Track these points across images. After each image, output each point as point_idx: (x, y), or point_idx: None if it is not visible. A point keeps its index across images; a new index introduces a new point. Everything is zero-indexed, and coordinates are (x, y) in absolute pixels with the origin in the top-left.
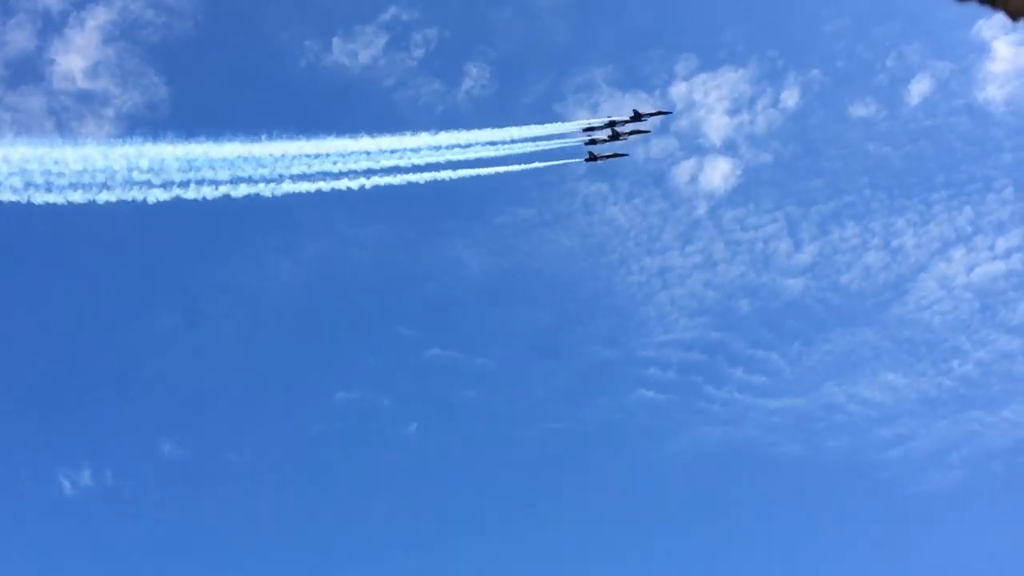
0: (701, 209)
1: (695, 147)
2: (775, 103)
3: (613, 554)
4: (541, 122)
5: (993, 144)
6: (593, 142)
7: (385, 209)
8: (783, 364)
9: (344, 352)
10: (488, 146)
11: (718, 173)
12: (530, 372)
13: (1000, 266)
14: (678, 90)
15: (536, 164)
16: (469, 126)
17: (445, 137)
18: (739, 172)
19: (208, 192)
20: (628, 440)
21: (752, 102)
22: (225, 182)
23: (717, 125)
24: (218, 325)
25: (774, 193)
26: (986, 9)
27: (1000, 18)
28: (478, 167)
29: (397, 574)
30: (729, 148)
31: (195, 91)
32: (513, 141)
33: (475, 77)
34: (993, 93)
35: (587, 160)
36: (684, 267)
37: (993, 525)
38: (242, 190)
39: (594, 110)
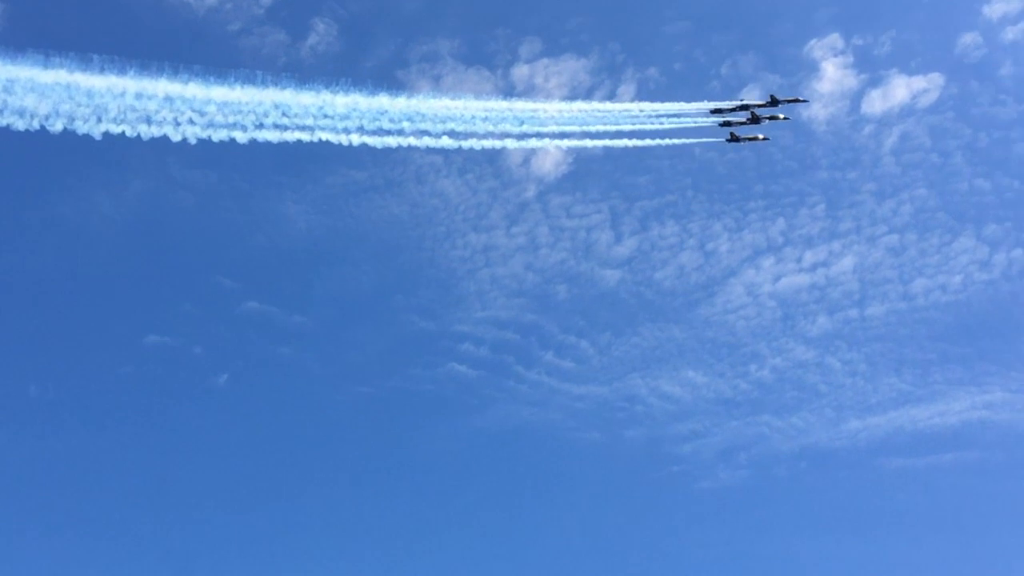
0: (530, 192)
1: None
2: (611, 96)
3: (409, 521)
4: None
5: (811, 161)
6: (728, 124)
7: (219, 156)
8: (592, 352)
9: (159, 295)
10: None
11: (550, 159)
12: (346, 335)
13: (805, 279)
14: (520, 72)
15: (676, 140)
16: (310, 82)
17: (344, 100)
18: (570, 160)
19: (24, 123)
20: (436, 412)
21: (590, 92)
22: (46, 115)
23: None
24: (29, 255)
25: (601, 184)
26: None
27: (832, 39)
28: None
29: (186, 523)
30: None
31: (28, 8)
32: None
33: (321, 33)
34: (817, 112)
35: (728, 140)
36: (508, 247)
37: (772, 525)
38: (59, 126)
39: (436, 81)
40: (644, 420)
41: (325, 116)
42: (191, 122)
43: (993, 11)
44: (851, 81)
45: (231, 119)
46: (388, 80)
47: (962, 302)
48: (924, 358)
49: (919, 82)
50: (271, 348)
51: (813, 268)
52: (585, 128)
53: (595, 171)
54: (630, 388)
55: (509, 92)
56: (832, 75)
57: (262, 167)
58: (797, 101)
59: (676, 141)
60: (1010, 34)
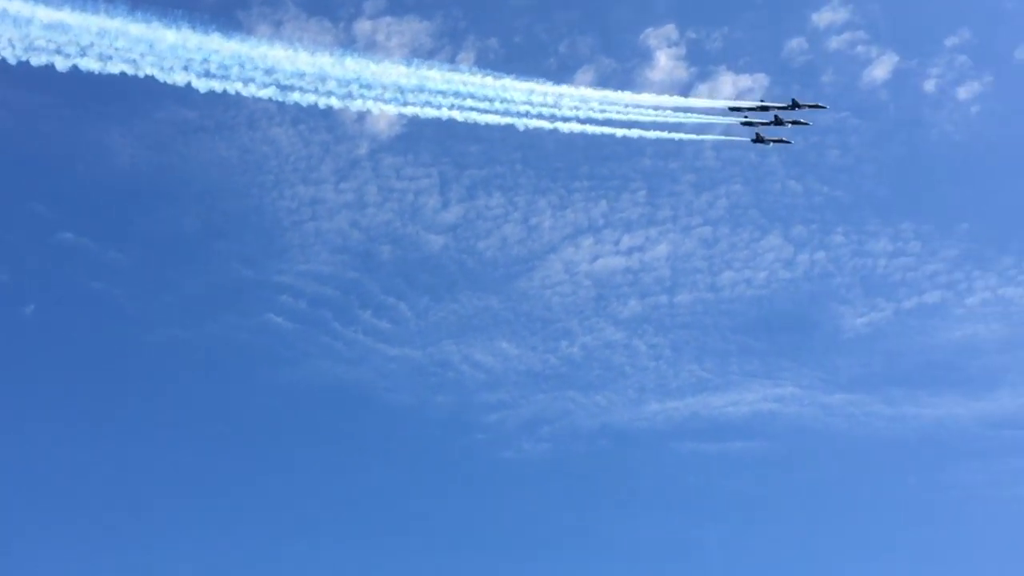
0: (362, 149)
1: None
2: (451, 62)
3: (210, 472)
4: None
5: (637, 148)
6: (749, 123)
7: (43, 81)
8: (410, 315)
9: None
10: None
11: (384, 118)
12: (163, 275)
13: (621, 261)
14: (362, 27)
15: (699, 136)
16: (142, 12)
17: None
18: (405, 121)
19: None
20: (249, 362)
21: (430, 55)
22: None
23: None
24: None
25: (433, 149)
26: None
27: (668, 30)
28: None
29: None
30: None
31: None
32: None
33: None
34: (646, 100)
35: (753, 141)
36: (335, 203)
37: (569, 499)
38: None
39: (277, 27)
40: (454, 386)
41: (152, 50)
42: (11, 44)
43: (821, 19)
44: (682, 73)
45: (53, 44)
46: (227, 19)
47: (764, 297)
48: (725, 348)
49: (745, 80)
50: (83, 282)
51: (629, 252)
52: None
53: (428, 136)
54: (444, 354)
55: (349, 46)
56: (664, 65)
57: (88, 96)
58: (817, 107)
59: (700, 137)
60: (834, 43)
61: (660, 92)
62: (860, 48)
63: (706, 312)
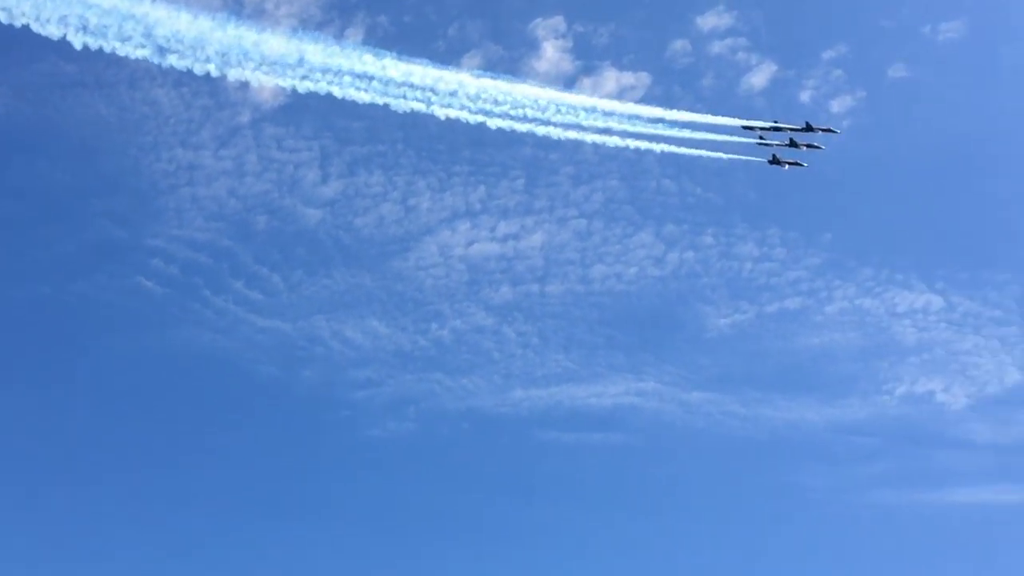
0: (244, 117)
1: None
2: (338, 36)
3: (68, 435)
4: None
5: (518, 136)
6: (764, 142)
7: None
8: (282, 287)
9: None
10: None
11: (269, 89)
12: (32, 231)
13: (495, 248)
14: None
15: (714, 153)
16: None
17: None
18: (289, 92)
19: None
20: (116, 324)
21: (319, 28)
22: None
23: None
24: None
25: (316, 123)
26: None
27: (556, 21)
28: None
29: None
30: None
31: None
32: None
33: None
34: (530, 91)
35: (769, 162)
36: (214, 169)
37: (431, 480)
38: None
39: None
40: (323, 362)
41: (28, 1)
42: None
43: (705, 23)
44: (567, 66)
45: None
46: None
47: (633, 293)
48: (591, 340)
49: (628, 78)
50: None
51: (505, 239)
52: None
53: (312, 109)
54: (314, 328)
55: (237, 12)
56: (551, 56)
57: None
58: (829, 131)
59: (715, 155)
60: (717, 48)
61: (544, 83)
62: (741, 55)
63: (576, 303)
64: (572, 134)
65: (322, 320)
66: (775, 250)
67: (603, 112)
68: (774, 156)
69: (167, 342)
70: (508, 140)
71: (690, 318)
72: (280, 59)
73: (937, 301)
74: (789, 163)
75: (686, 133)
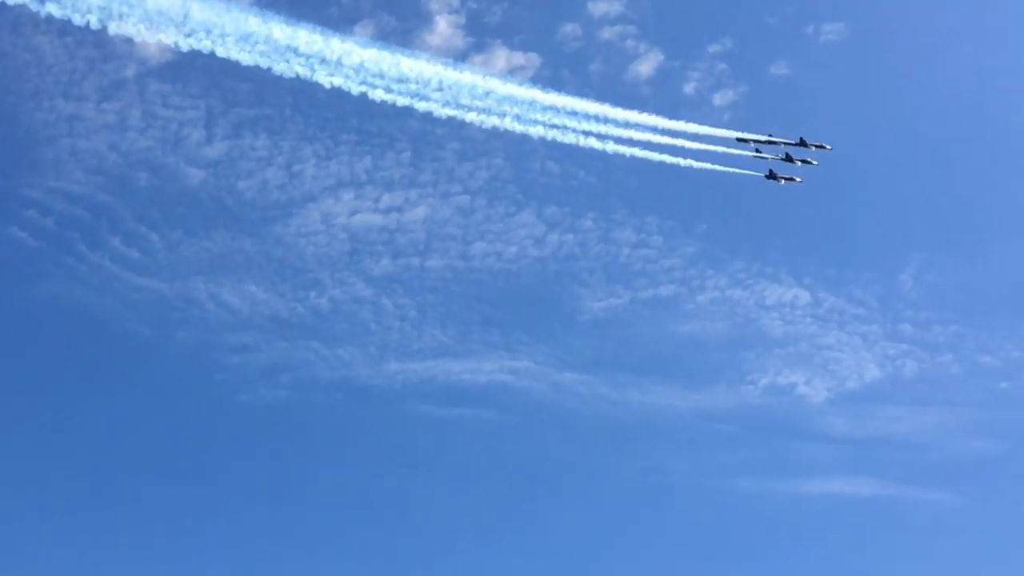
0: (130, 71)
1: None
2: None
3: None
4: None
5: (406, 109)
6: (761, 157)
7: None
8: (161, 247)
9: None
10: None
11: (156, 44)
12: None
13: (378, 219)
14: None
15: (710, 165)
16: None
17: None
18: (176, 50)
19: None
20: None
21: None
22: None
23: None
24: None
25: (203, 82)
26: None
27: None
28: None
29: None
30: None
31: None
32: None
33: None
34: (419, 67)
35: (766, 177)
36: (95, 122)
37: (302, 448)
38: None
39: None
40: (198, 324)
41: None
42: None
43: (596, 8)
44: (459, 42)
45: None
46: None
47: (512, 272)
48: (468, 316)
49: (518, 58)
50: None
51: (388, 211)
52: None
53: (200, 67)
54: (190, 290)
55: None
56: (443, 31)
57: None
58: (821, 147)
59: (711, 167)
60: (606, 33)
61: (435, 57)
62: (629, 42)
63: (455, 279)
64: (476, 117)
65: (199, 282)
66: (652, 237)
67: (567, 111)
68: (771, 171)
69: (38, 295)
70: (396, 112)
71: (566, 300)
72: (164, 14)
73: (804, 296)
74: (785, 178)
75: (680, 142)
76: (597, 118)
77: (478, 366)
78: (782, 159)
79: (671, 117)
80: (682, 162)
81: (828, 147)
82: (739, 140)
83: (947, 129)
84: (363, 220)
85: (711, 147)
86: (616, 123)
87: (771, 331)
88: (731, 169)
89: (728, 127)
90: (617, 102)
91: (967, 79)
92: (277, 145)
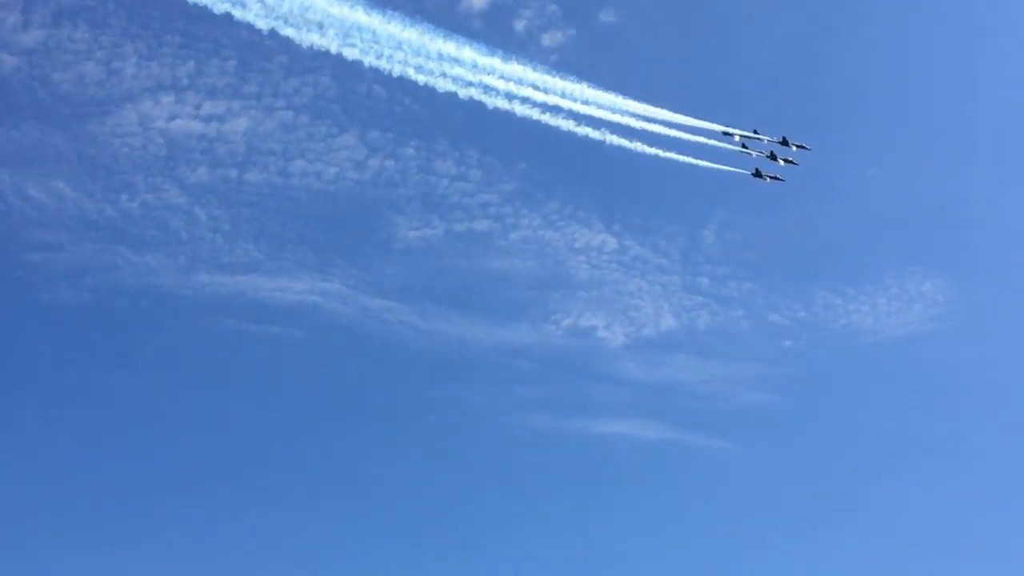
0: None
1: None
2: None
3: None
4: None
5: (228, 17)
6: (747, 152)
7: None
8: None
9: None
10: None
11: None
12: None
13: (198, 127)
14: None
15: (697, 161)
16: None
17: None
18: None
19: None
20: None
21: None
22: None
23: None
24: None
25: None
26: None
27: None
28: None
29: None
30: None
31: None
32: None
33: None
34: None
35: (752, 175)
36: None
37: (99, 355)
38: None
39: None
40: (1, 218)
41: None
42: None
43: None
44: None
45: None
46: None
47: (330, 193)
48: (282, 234)
49: None
50: None
51: (208, 119)
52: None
53: None
54: None
55: None
56: None
57: None
58: (802, 147)
59: (698, 162)
60: None
61: None
62: None
63: (272, 195)
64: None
65: (4, 174)
66: (472, 171)
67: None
68: (757, 169)
69: None
70: (226, 18)
71: (382, 226)
72: None
73: (612, 242)
74: (771, 177)
75: (643, 124)
76: (425, 51)
77: (288, 285)
78: (767, 157)
79: (501, 54)
80: (662, 153)
81: (808, 148)
82: (724, 134)
83: (762, 88)
84: (182, 126)
85: (661, 128)
86: (444, 58)
87: (577, 274)
88: (719, 166)
89: (555, 69)
90: (447, 32)
91: (789, 35)
92: (97, 39)
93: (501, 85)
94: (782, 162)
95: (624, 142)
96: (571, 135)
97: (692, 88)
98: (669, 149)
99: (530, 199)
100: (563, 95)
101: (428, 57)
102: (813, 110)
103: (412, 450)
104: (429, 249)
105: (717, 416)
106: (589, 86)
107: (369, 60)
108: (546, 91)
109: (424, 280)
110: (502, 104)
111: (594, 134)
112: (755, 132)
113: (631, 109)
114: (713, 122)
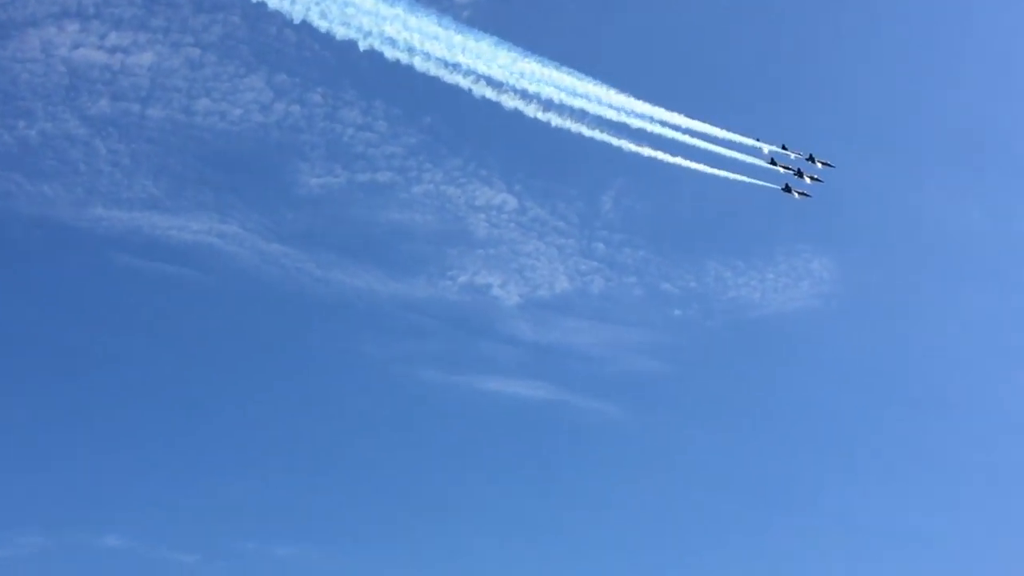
0: None
1: None
2: None
3: None
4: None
5: None
6: (774, 165)
7: None
8: None
9: None
10: None
11: None
12: None
13: (102, 57)
14: None
15: (730, 175)
16: None
17: None
18: None
19: None
20: None
21: None
22: None
23: None
24: None
25: None
26: None
27: None
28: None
29: None
30: None
31: None
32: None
33: None
34: None
35: (783, 190)
36: None
37: None
38: None
39: None
40: None
41: None
42: None
43: None
44: None
45: None
46: None
47: (234, 134)
48: (183, 173)
49: None
50: None
51: (113, 51)
52: None
53: None
54: None
55: None
56: None
57: None
58: (827, 165)
59: (732, 175)
60: None
61: None
62: None
63: (175, 133)
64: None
65: None
66: (378, 122)
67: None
68: (787, 185)
69: None
70: None
71: (285, 171)
72: None
73: (512, 202)
74: (799, 193)
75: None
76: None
77: (186, 224)
78: (794, 174)
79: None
80: (702, 168)
81: (833, 166)
82: (757, 140)
83: (681, 65)
84: (85, 56)
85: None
86: (349, 3)
87: (476, 231)
88: (751, 180)
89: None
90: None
91: (705, 9)
92: None
93: (403, 37)
94: (808, 179)
95: (528, 107)
96: (474, 94)
97: (616, 57)
98: (582, 120)
99: (434, 154)
100: (464, 51)
101: (332, 2)
102: (716, 82)
103: (299, 395)
104: (330, 197)
105: (604, 380)
106: (495, 43)
107: (272, 2)
108: (450, 47)
109: (324, 228)
110: (403, 57)
111: (492, 94)
112: (783, 146)
113: (542, 74)
114: (643, 95)
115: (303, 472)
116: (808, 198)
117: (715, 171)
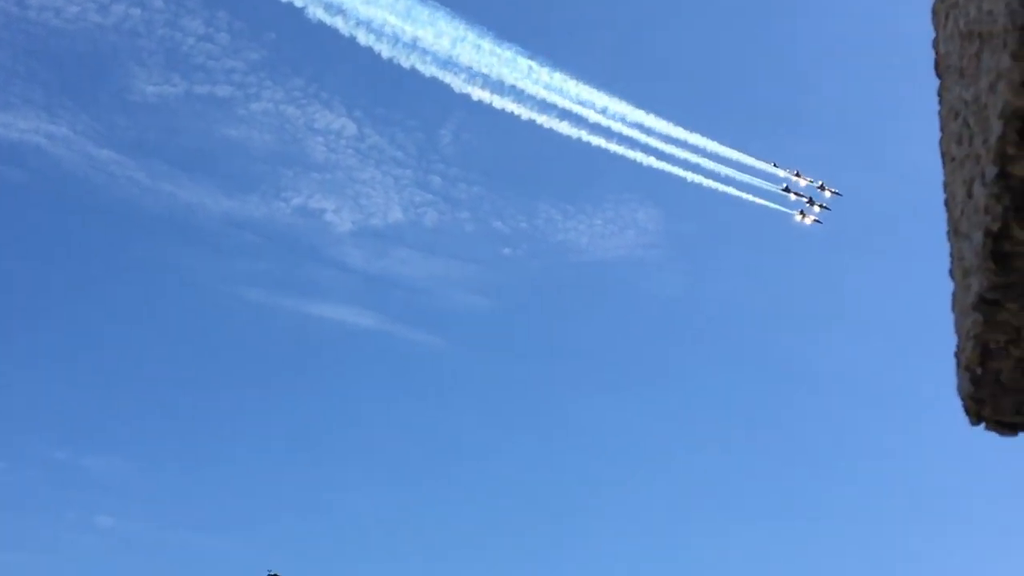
0: None
1: None
2: None
3: None
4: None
5: None
6: (787, 191)
7: None
8: None
9: None
10: None
11: None
12: None
13: None
14: None
15: (745, 195)
16: None
17: None
18: None
19: None
20: None
21: None
22: None
23: None
24: None
25: None
26: None
27: None
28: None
29: None
30: None
31: None
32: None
33: None
34: None
35: (799, 214)
36: None
37: None
38: None
39: None
40: None
41: None
42: None
43: None
44: None
45: None
46: None
47: (68, 32)
48: (12, 67)
49: None
50: None
51: None
52: None
53: None
54: None
55: None
56: None
57: None
58: (836, 194)
59: (747, 196)
60: None
61: None
62: None
63: (6, 26)
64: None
65: None
66: (220, 34)
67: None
68: (801, 211)
69: None
70: None
71: (120, 76)
72: None
73: (351, 127)
74: (813, 219)
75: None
76: None
77: (12, 121)
78: (806, 201)
79: None
80: (718, 186)
81: (842, 194)
82: (775, 165)
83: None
84: None
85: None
86: None
87: (313, 154)
88: (767, 204)
89: None
90: None
91: None
92: None
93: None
94: (818, 208)
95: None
96: (317, 16)
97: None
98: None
99: (276, 71)
100: None
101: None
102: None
103: (117, 305)
104: (166, 107)
105: (431, 313)
106: None
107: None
108: None
109: (157, 138)
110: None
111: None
112: (797, 172)
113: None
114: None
115: (118, 383)
116: (819, 224)
117: (729, 190)
